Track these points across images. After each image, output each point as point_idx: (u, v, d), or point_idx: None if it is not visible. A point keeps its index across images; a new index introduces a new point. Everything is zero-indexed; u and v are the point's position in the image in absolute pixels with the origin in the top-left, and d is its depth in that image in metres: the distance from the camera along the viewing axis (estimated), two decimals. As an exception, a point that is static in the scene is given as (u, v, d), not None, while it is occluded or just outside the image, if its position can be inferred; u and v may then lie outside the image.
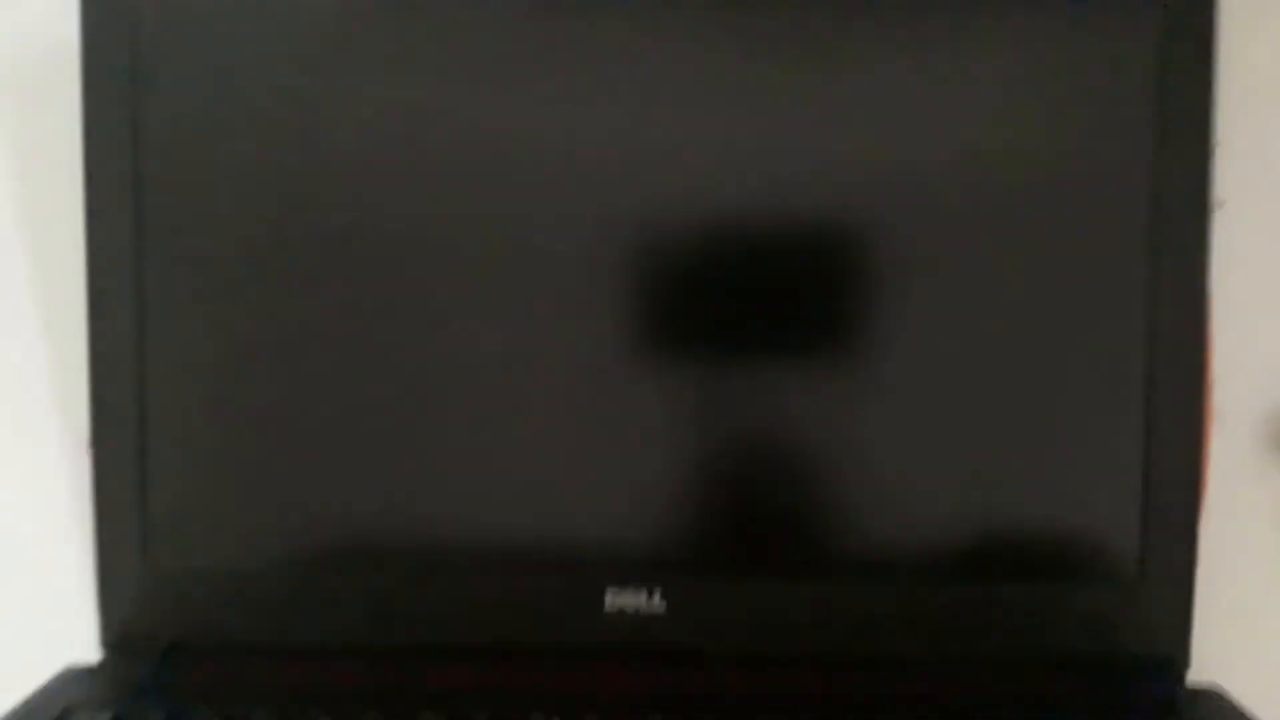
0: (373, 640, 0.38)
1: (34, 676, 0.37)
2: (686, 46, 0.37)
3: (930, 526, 0.38)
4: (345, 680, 0.36)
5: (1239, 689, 0.37)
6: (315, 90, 0.37)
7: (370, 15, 0.37)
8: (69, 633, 0.39)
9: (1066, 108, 0.37)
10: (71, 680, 0.37)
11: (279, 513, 0.38)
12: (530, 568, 0.38)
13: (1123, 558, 0.37)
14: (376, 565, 0.38)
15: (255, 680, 0.37)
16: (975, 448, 0.37)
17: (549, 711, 0.35)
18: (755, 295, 0.38)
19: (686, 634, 0.38)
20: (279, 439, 0.38)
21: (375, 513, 0.38)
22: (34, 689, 0.36)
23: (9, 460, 0.42)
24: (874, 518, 0.38)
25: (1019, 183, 0.37)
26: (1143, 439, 0.37)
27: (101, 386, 0.37)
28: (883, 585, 0.38)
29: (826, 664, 0.38)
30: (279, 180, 0.37)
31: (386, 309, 0.37)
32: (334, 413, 0.38)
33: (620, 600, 0.38)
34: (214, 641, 0.38)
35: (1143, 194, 0.37)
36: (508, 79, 0.37)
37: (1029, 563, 0.38)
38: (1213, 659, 0.37)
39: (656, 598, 0.38)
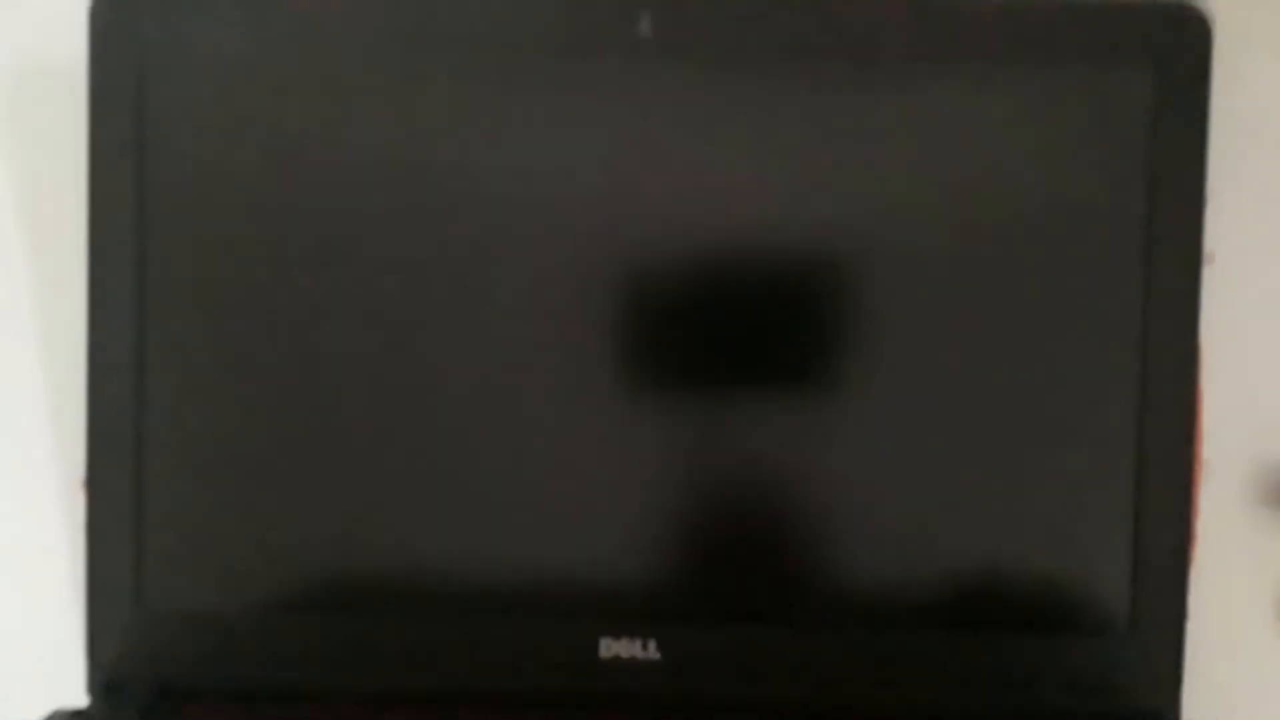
0: (363, 687, 0.38)
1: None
2: (674, 86, 0.37)
3: (924, 575, 0.38)
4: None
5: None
6: (315, 119, 0.37)
7: (370, 50, 0.37)
8: (56, 670, 0.38)
9: (1058, 157, 0.37)
10: (58, 726, 0.36)
11: (273, 555, 0.38)
12: (522, 614, 0.38)
13: (1112, 609, 0.38)
14: (368, 611, 0.38)
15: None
16: (966, 497, 0.38)
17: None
18: (750, 335, 0.38)
19: (682, 683, 0.38)
20: (276, 480, 0.38)
21: (367, 557, 0.38)
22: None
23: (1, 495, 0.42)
24: (868, 565, 0.38)
25: (1010, 228, 0.38)
26: (1133, 490, 0.37)
27: (99, 422, 0.37)
28: (873, 634, 0.38)
29: (818, 713, 0.38)
30: (278, 215, 0.37)
31: (378, 354, 0.37)
32: (330, 455, 0.38)
33: (615, 648, 0.38)
34: (203, 686, 0.37)
35: (1135, 245, 0.37)
36: (498, 117, 0.37)
37: (1018, 614, 0.38)
38: (1200, 716, 0.38)
39: (652, 647, 0.38)
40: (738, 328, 0.38)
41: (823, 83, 0.37)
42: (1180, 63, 0.37)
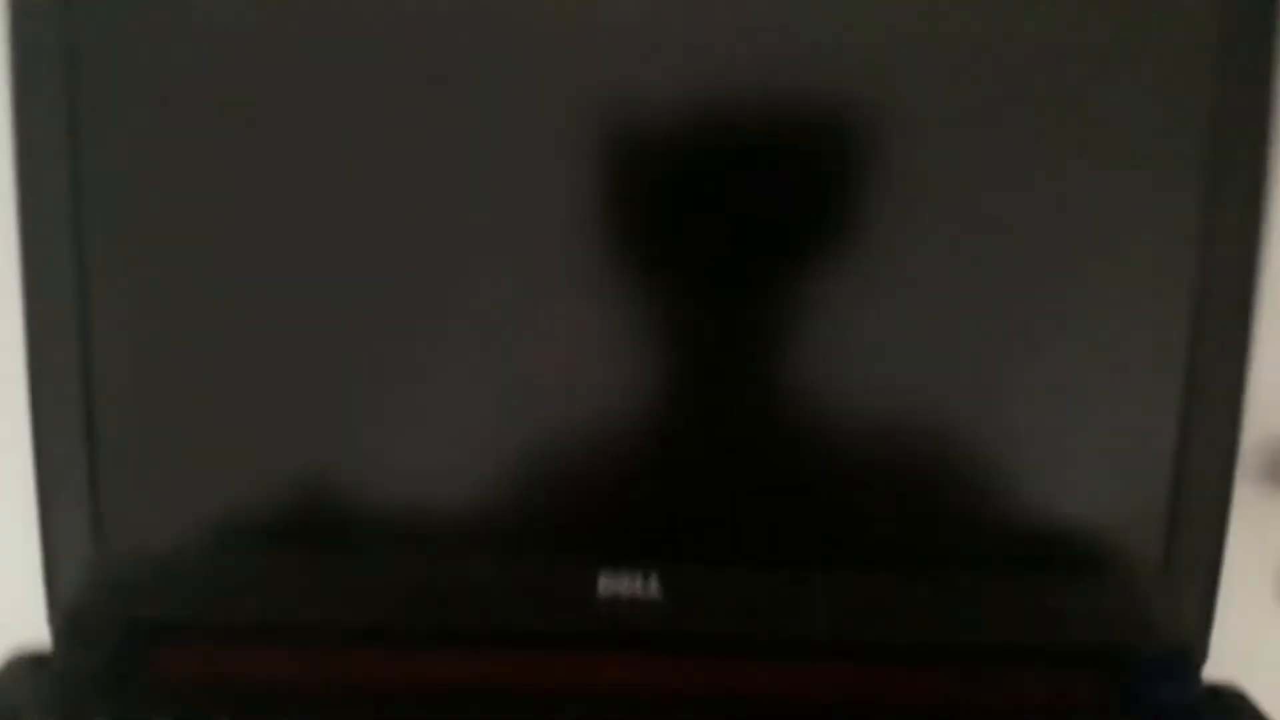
0: (342, 625, 0.35)
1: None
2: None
3: (947, 512, 0.35)
4: (316, 672, 0.34)
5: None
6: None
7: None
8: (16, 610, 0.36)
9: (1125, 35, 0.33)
10: (20, 672, 0.34)
11: (241, 487, 0.35)
12: (518, 551, 0.35)
13: (1148, 550, 0.35)
14: (349, 547, 0.35)
15: (215, 671, 0.34)
16: (998, 425, 0.35)
17: (539, 705, 0.33)
18: (763, 204, 0.34)
19: (683, 621, 0.36)
20: (234, 405, 0.34)
21: (342, 486, 0.35)
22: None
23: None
24: (886, 500, 0.35)
25: (1070, 101, 0.33)
26: (1177, 427, 0.35)
27: (41, 359, 0.34)
28: (892, 573, 0.36)
29: (834, 652, 0.36)
30: (221, 102, 0.33)
31: (339, 259, 0.33)
32: (293, 374, 0.34)
33: (614, 586, 0.35)
34: (169, 625, 0.35)
35: (1200, 129, 0.33)
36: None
37: (1050, 552, 0.36)
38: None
39: (653, 582, 0.36)
40: (748, 194, 0.33)
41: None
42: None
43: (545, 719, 0.32)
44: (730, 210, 0.34)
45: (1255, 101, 0.33)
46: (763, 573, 0.36)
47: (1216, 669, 0.36)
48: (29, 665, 0.34)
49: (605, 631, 0.35)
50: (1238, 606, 0.36)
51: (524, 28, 0.32)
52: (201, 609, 0.35)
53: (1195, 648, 0.36)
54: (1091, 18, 0.33)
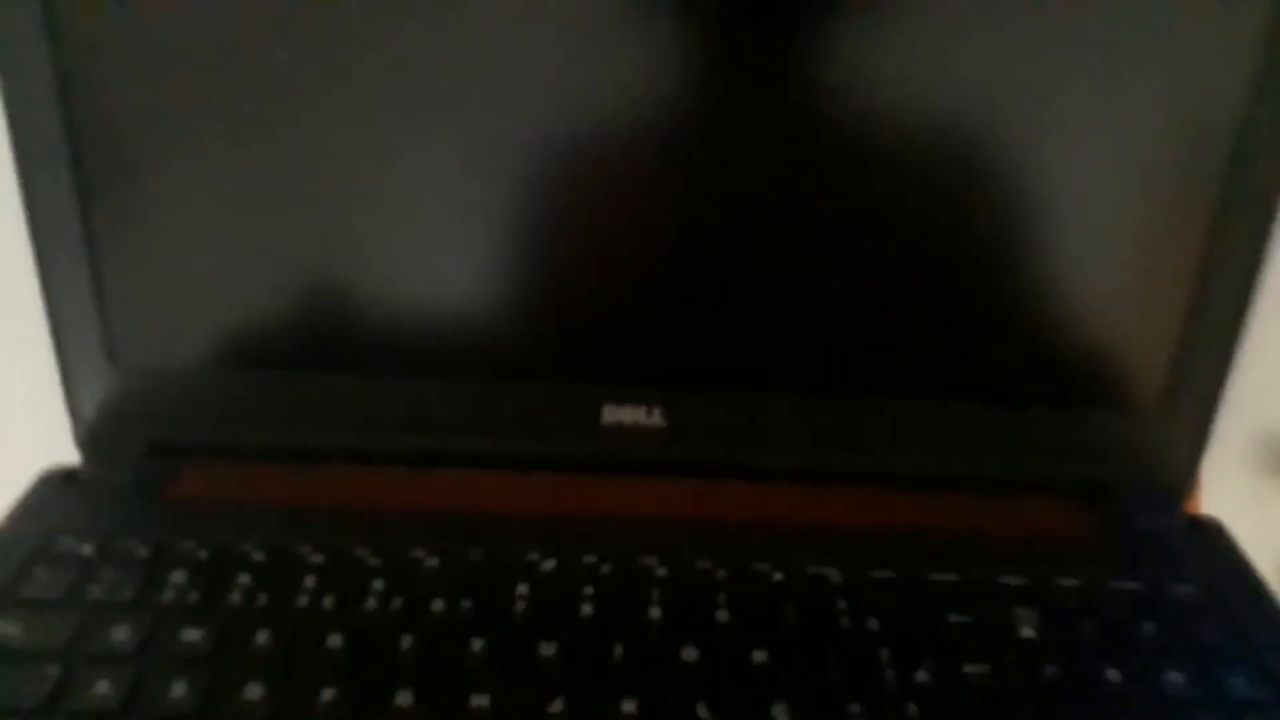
0: (358, 446, 0.36)
1: (11, 475, 0.36)
2: None
3: (951, 336, 0.35)
4: (330, 494, 0.35)
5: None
6: None
7: None
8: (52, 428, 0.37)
9: None
10: (51, 490, 0.35)
11: (245, 301, 0.35)
12: (520, 373, 0.36)
13: (1149, 384, 0.36)
14: (361, 370, 0.36)
15: (241, 491, 0.36)
16: (1012, 246, 0.34)
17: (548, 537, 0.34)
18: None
19: (687, 449, 0.37)
20: (239, 220, 0.34)
21: (350, 302, 0.35)
22: (12, 502, 0.35)
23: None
24: (888, 327, 0.35)
25: None
26: (1198, 260, 0.34)
27: (33, 180, 0.33)
28: (888, 400, 0.36)
29: (830, 478, 0.37)
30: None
31: (332, 56, 0.32)
32: (291, 184, 0.33)
33: (618, 415, 0.36)
34: (194, 444, 0.36)
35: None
36: None
37: (1052, 384, 0.36)
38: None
39: (656, 413, 0.36)
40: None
41: None
42: None
43: (553, 539, 0.33)
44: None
45: None
46: (762, 397, 0.36)
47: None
48: (60, 481, 0.36)
49: (609, 456, 0.37)
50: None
51: None
52: (216, 431, 0.36)
53: (1183, 483, 0.37)
54: None
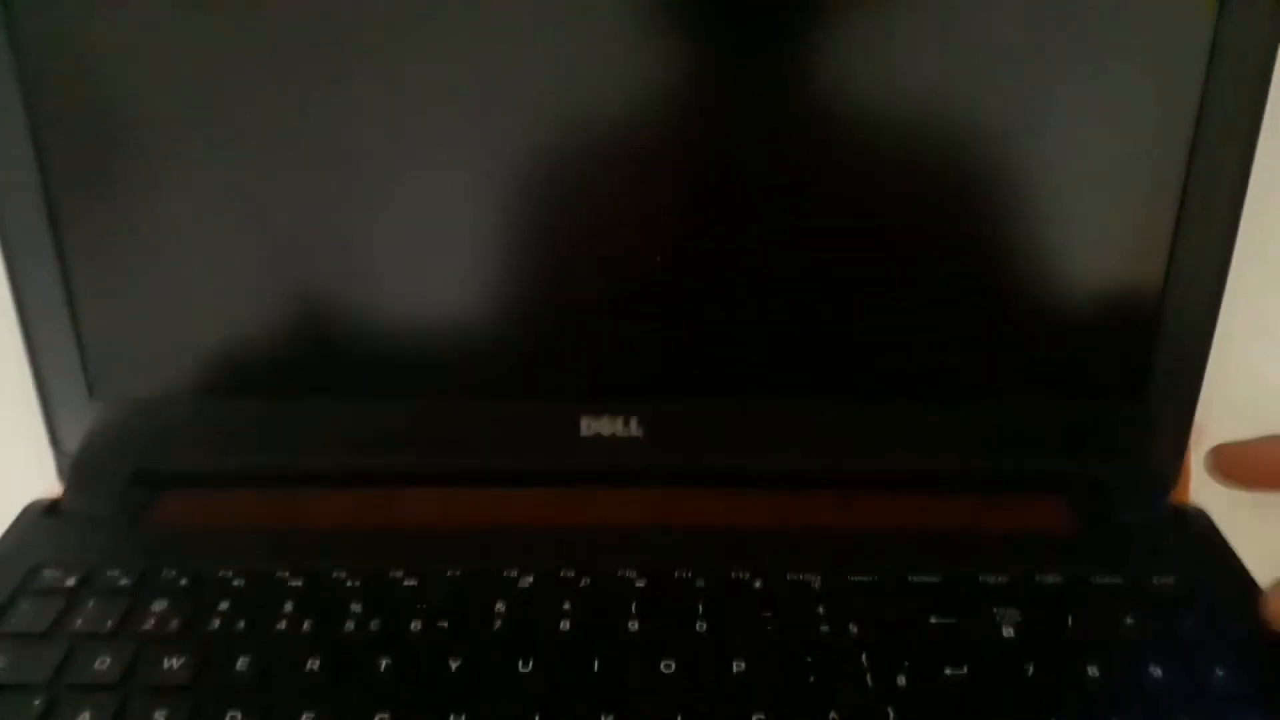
0: (338, 468, 0.37)
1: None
2: None
3: (928, 334, 0.35)
4: (313, 516, 0.36)
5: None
6: None
7: None
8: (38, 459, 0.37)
9: None
10: (34, 523, 0.36)
11: (221, 325, 0.35)
12: (498, 390, 0.36)
13: (1129, 373, 0.35)
14: (339, 392, 0.36)
15: (222, 517, 0.36)
16: (989, 234, 0.34)
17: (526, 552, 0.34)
18: None
19: (665, 457, 0.37)
20: (212, 247, 0.34)
21: (327, 331, 0.35)
22: (-3, 534, 0.35)
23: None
24: (863, 330, 0.35)
25: None
26: (1170, 243, 0.34)
27: (5, 212, 0.33)
28: (866, 402, 0.36)
29: (811, 482, 0.37)
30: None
31: (309, 89, 0.32)
32: (274, 215, 0.34)
33: (596, 426, 0.36)
34: (177, 473, 0.37)
35: None
36: None
37: (1033, 378, 0.36)
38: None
39: (634, 424, 0.36)
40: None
41: None
42: None
43: (531, 554, 0.33)
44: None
45: None
46: (739, 404, 0.36)
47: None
48: (42, 514, 0.36)
49: (588, 467, 0.37)
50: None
51: None
52: (197, 458, 0.36)
53: (1167, 475, 0.37)
54: None
